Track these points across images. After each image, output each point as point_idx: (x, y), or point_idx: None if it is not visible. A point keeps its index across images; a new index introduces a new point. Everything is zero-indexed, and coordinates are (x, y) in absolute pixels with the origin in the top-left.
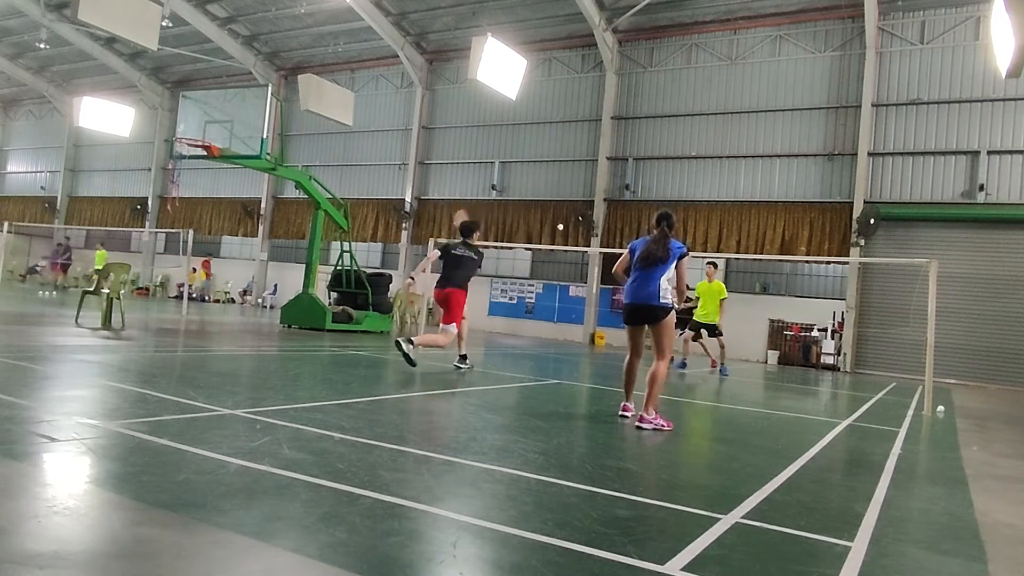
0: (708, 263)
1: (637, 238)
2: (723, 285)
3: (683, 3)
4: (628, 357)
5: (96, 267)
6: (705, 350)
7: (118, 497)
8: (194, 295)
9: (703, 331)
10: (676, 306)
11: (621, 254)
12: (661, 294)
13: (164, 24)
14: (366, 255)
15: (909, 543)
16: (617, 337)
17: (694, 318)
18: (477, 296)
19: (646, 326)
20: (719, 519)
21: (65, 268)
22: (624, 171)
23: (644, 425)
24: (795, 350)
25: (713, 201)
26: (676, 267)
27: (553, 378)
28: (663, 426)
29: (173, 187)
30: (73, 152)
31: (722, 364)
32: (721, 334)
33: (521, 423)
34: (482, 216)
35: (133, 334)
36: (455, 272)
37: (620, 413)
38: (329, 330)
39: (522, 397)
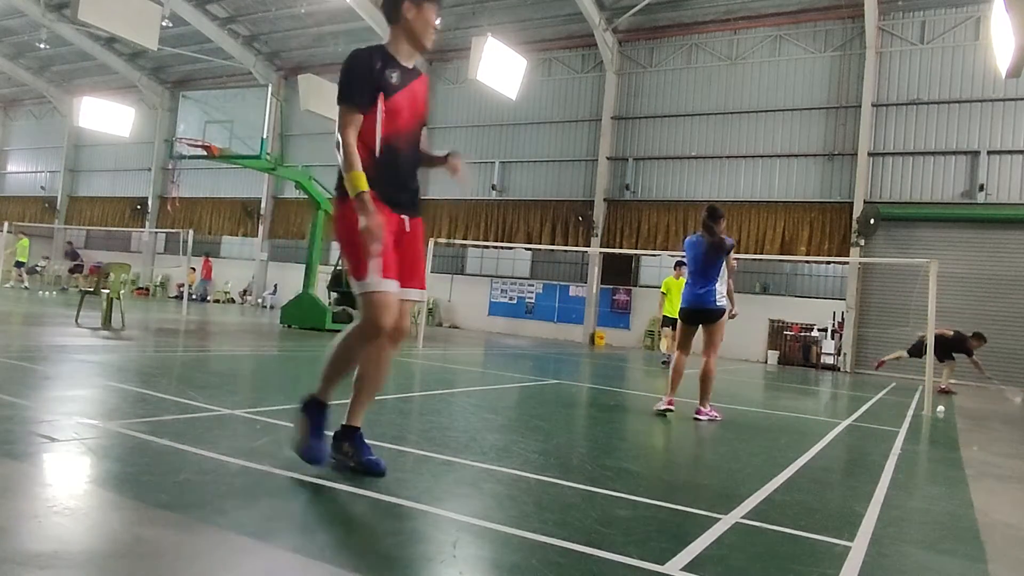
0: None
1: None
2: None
3: (683, 3)
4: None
5: (17, 258)
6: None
7: (118, 497)
8: (194, 296)
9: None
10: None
11: (621, 253)
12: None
13: (164, 24)
14: None
15: (909, 543)
16: (616, 337)
17: (665, 314)
18: (477, 296)
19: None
20: (719, 519)
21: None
22: (624, 171)
23: (700, 417)
24: (795, 350)
25: (713, 201)
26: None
27: (553, 378)
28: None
29: (173, 187)
30: (73, 152)
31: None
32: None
33: (521, 423)
34: (482, 216)
35: (133, 334)
36: None
37: (667, 408)
38: (329, 330)
39: (522, 397)
